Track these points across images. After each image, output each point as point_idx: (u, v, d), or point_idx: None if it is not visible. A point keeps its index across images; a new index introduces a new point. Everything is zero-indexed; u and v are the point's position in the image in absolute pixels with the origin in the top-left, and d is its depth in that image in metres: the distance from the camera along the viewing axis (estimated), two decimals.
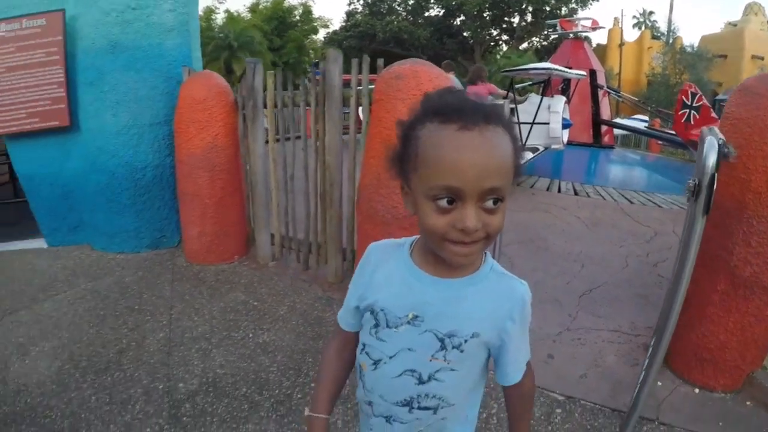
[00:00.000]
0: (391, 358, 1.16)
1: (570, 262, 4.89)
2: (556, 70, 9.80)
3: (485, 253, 1.16)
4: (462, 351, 1.14)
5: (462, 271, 1.13)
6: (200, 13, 31.65)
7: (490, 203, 0.95)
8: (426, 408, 1.19)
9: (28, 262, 5.16)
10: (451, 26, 36.58)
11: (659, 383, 2.94)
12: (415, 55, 32.36)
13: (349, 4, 40.00)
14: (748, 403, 2.83)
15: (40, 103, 5.19)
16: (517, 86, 12.43)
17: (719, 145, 2.03)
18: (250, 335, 3.60)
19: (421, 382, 1.16)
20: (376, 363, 1.18)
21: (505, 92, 9.33)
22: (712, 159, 2.03)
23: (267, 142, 4.78)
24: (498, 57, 35.65)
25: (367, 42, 35.45)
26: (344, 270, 4.37)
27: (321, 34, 40.49)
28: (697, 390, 2.93)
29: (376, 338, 1.17)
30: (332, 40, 38.00)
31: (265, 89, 4.65)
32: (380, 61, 3.98)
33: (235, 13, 34.13)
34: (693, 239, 2.22)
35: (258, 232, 4.92)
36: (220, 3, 49.15)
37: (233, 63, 27.66)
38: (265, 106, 4.67)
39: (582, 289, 4.29)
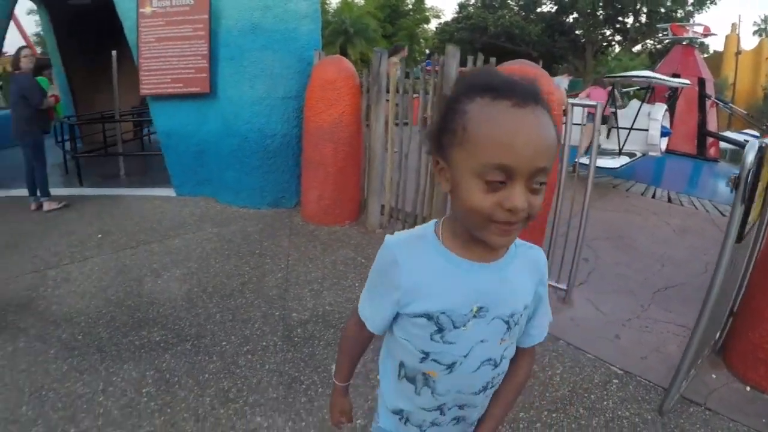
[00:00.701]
0: (465, 356, 1.14)
1: (652, 261, 5.02)
2: (657, 78, 9.76)
3: None
4: (518, 325, 1.18)
5: (498, 252, 1.12)
6: None
7: (536, 183, 0.93)
8: (496, 384, 1.25)
9: (158, 206, 6.01)
10: (564, 23, 35.03)
11: (713, 375, 3.10)
12: (525, 52, 31.56)
13: None
14: None
15: (184, 71, 5.97)
16: (626, 90, 12.41)
17: (760, 147, 2.36)
18: (357, 285, 4.10)
19: (495, 366, 1.19)
20: (450, 367, 1.15)
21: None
22: (751, 156, 2.32)
23: (386, 123, 5.22)
24: (609, 59, 34.41)
25: (478, 35, 34.53)
26: None
27: (432, 24, 39.77)
28: (748, 388, 2.99)
29: (443, 342, 1.12)
30: (443, 31, 37.26)
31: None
32: (492, 60, 4.37)
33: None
34: (733, 223, 2.46)
35: (370, 201, 5.36)
36: None
37: (348, 48, 27.80)
38: (387, 91, 5.10)
39: (658, 285, 4.44)
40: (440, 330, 1.11)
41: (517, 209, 0.91)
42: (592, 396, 2.86)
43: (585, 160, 8.10)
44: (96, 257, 4.59)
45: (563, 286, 3.86)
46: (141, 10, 5.94)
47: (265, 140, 5.88)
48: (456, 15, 38.28)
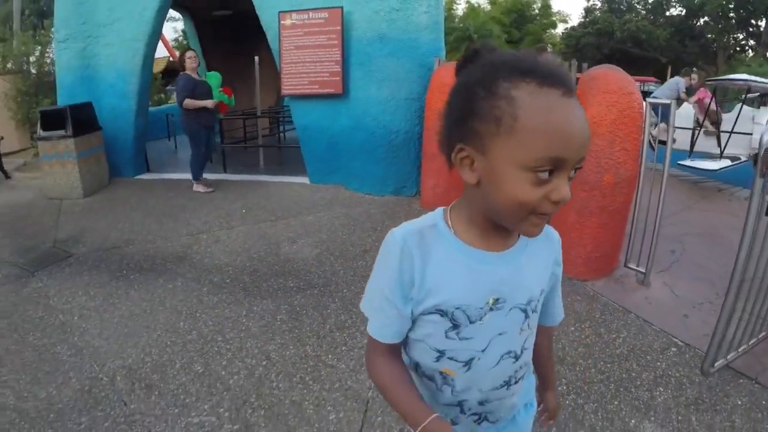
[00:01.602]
0: (483, 351, 1.07)
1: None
2: (756, 81, 9.46)
3: None
4: (536, 311, 1.13)
5: (511, 239, 1.07)
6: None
7: (573, 172, 0.89)
8: (521, 378, 1.17)
9: (294, 191, 6.97)
10: (693, 28, 33.43)
11: None
12: (653, 57, 30.54)
13: (588, 0, 38.23)
14: None
15: (320, 74, 6.84)
16: (750, 95, 12.03)
17: None
18: None
19: (516, 358, 1.12)
20: (467, 363, 1.08)
21: None
22: (766, 137, 2.62)
23: None
24: (742, 64, 32.12)
25: (605, 40, 33.85)
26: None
27: (559, 29, 38.63)
28: None
29: (459, 339, 1.06)
30: (570, 36, 36.71)
31: None
32: (584, 65, 4.77)
33: (476, 4, 33.58)
34: (755, 194, 2.76)
35: None
36: None
37: None
38: None
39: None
40: (456, 326, 1.05)
41: (565, 201, 0.88)
42: (648, 357, 3.20)
43: (687, 162, 8.14)
44: (241, 226, 5.60)
45: (642, 269, 4.12)
46: (282, 22, 6.85)
47: (390, 135, 6.58)
48: (582, 20, 37.47)
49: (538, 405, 1.36)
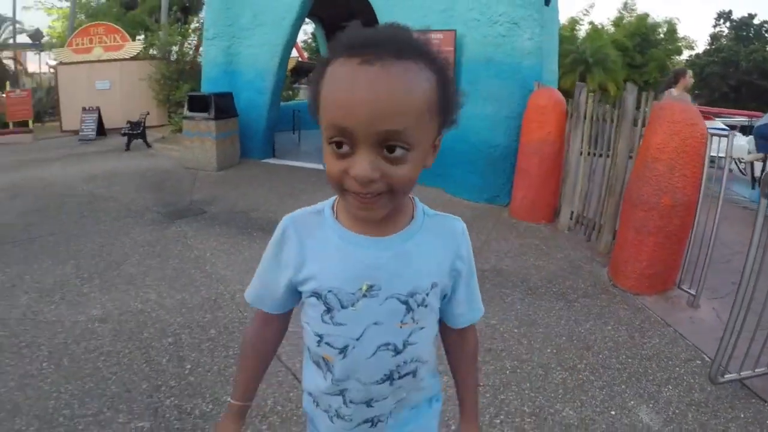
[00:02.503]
0: (358, 339, 1.04)
1: None
2: None
3: (412, 197, 1.08)
4: (426, 306, 1.07)
5: (397, 224, 1.04)
6: (564, 23, 29.08)
7: (390, 149, 0.83)
8: (406, 374, 1.11)
9: None
10: None
11: None
12: None
13: (715, 26, 36.21)
14: None
15: None
16: None
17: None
18: (531, 260, 5.19)
19: (397, 352, 1.07)
20: (343, 350, 1.05)
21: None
22: None
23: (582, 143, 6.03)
24: None
25: (731, 70, 31.79)
26: (611, 244, 5.33)
27: (684, 55, 35.72)
28: None
29: (333, 324, 1.04)
30: (694, 63, 34.10)
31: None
32: (651, 95, 4.98)
33: (599, 26, 31.97)
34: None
35: (564, 206, 6.22)
36: (585, 15, 45.63)
37: (588, 77, 26.22)
38: (585, 118, 5.90)
39: None
40: (329, 310, 1.03)
41: (359, 178, 0.83)
42: (670, 362, 3.43)
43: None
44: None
45: (693, 292, 4.30)
46: None
47: (489, 149, 7.10)
48: (707, 47, 35.20)
49: None
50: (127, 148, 11.95)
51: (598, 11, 76.69)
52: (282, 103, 11.96)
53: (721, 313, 4.19)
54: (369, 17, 8.31)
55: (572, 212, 6.18)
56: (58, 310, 3.88)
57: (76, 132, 15.16)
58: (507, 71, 6.94)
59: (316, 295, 1.03)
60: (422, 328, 1.08)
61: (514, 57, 6.95)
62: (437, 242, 1.07)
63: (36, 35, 25.50)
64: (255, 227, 6.00)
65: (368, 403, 1.11)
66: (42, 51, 26.94)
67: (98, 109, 14.68)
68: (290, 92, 18.72)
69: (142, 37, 19.67)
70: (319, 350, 1.08)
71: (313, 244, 1.04)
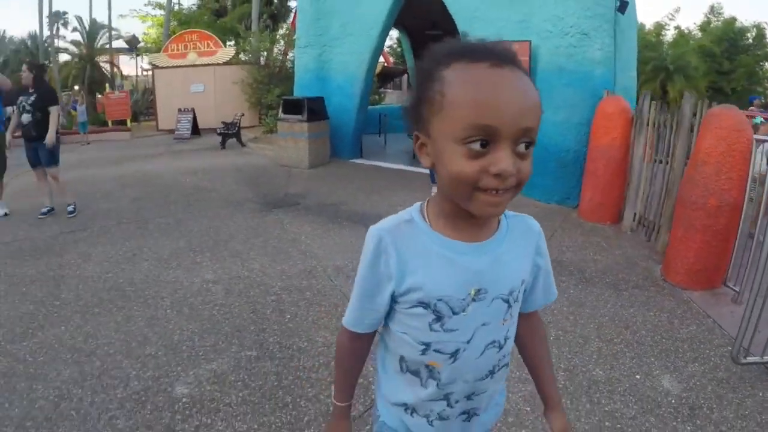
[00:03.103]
0: (468, 342, 1.07)
1: None
2: None
3: None
4: (518, 301, 1.13)
5: (491, 227, 1.08)
6: (650, 28, 28.79)
7: (523, 146, 0.87)
8: (504, 366, 1.18)
9: None
10: None
11: None
12: None
13: None
14: None
15: None
16: None
17: None
18: (591, 254, 5.59)
19: (500, 347, 1.12)
20: (453, 355, 1.08)
21: None
22: None
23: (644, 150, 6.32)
24: None
25: None
26: (668, 244, 5.48)
27: None
28: None
29: (444, 331, 1.05)
30: None
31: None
32: (705, 103, 5.20)
33: (686, 30, 30.66)
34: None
35: (627, 208, 6.54)
36: (671, 19, 43.00)
37: (668, 84, 25.34)
38: (648, 125, 6.19)
39: None
40: (439, 318, 1.05)
41: (505, 173, 0.84)
42: (702, 347, 3.66)
43: None
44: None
45: (737, 288, 4.53)
46: None
47: (560, 153, 7.53)
48: None
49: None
50: (223, 146, 13.20)
51: (684, 15, 72.33)
52: (369, 107, 12.71)
53: (764, 309, 4.17)
54: (449, 27, 8.85)
55: (635, 214, 6.49)
56: (175, 274, 4.82)
57: (171, 131, 16.57)
58: (578, 80, 7.34)
59: (423, 304, 1.04)
60: (514, 322, 1.15)
61: (584, 66, 7.33)
62: (521, 242, 1.13)
63: (132, 41, 27.64)
64: (344, 218, 6.84)
65: (469, 397, 1.15)
66: (138, 56, 29.48)
67: (193, 110, 16.10)
68: (377, 96, 19.49)
69: (232, 42, 21.13)
70: (424, 358, 1.10)
71: (411, 254, 1.04)
